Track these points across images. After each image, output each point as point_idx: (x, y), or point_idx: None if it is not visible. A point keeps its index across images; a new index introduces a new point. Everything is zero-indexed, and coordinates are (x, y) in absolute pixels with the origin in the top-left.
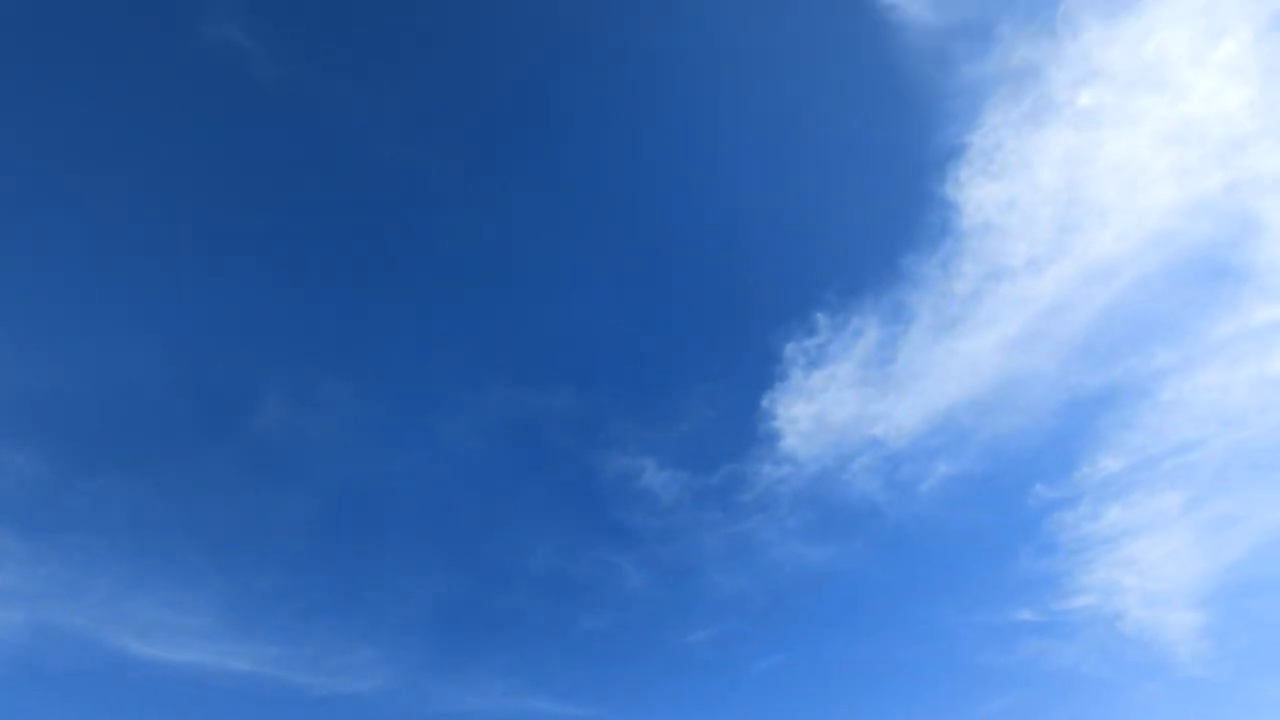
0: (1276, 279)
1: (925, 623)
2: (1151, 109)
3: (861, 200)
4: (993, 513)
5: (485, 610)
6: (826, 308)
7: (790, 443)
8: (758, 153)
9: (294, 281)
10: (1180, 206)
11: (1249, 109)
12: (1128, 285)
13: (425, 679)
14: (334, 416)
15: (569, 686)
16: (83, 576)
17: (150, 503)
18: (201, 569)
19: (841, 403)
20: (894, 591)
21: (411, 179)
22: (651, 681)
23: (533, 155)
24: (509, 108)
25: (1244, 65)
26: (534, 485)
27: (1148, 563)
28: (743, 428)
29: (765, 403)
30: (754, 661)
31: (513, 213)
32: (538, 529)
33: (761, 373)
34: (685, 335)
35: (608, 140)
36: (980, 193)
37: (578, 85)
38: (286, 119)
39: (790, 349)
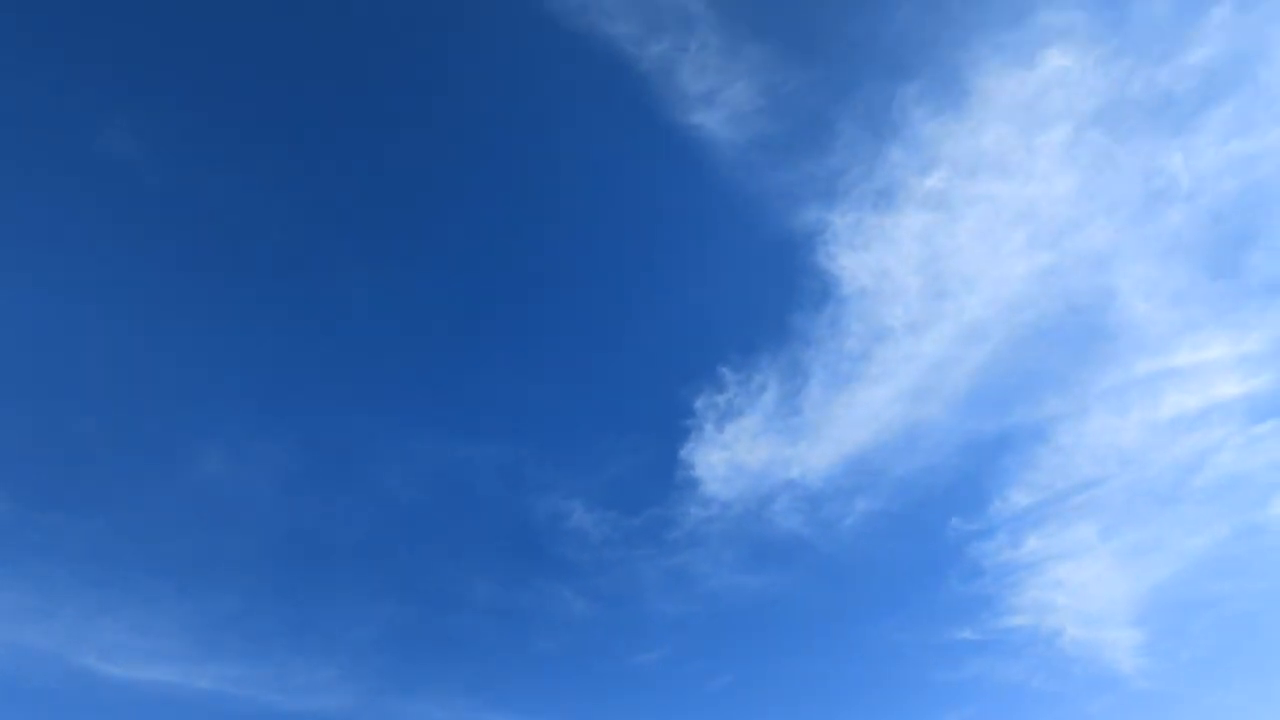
0: (1149, 336)
1: (869, 643)
2: (992, 191)
3: (747, 271)
4: (915, 543)
5: (436, 633)
6: (730, 364)
7: (712, 487)
8: (651, 244)
9: (227, 348)
10: (1034, 275)
11: (1077, 193)
12: (1001, 344)
13: (387, 696)
14: (271, 469)
15: (527, 703)
16: (49, 603)
17: (105, 537)
18: (162, 595)
19: (755, 450)
20: (833, 614)
21: (322, 252)
22: (606, 700)
23: (438, 232)
24: (408, 176)
25: (1069, 155)
26: (468, 524)
27: (1076, 584)
28: (663, 475)
29: (683, 453)
30: (705, 681)
31: (429, 285)
32: (476, 562)
33: (677, 426)
34: (603, 394)
35: (524, 229)
36: (852, 262)
37: (478, 162)
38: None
39: (701, 403)
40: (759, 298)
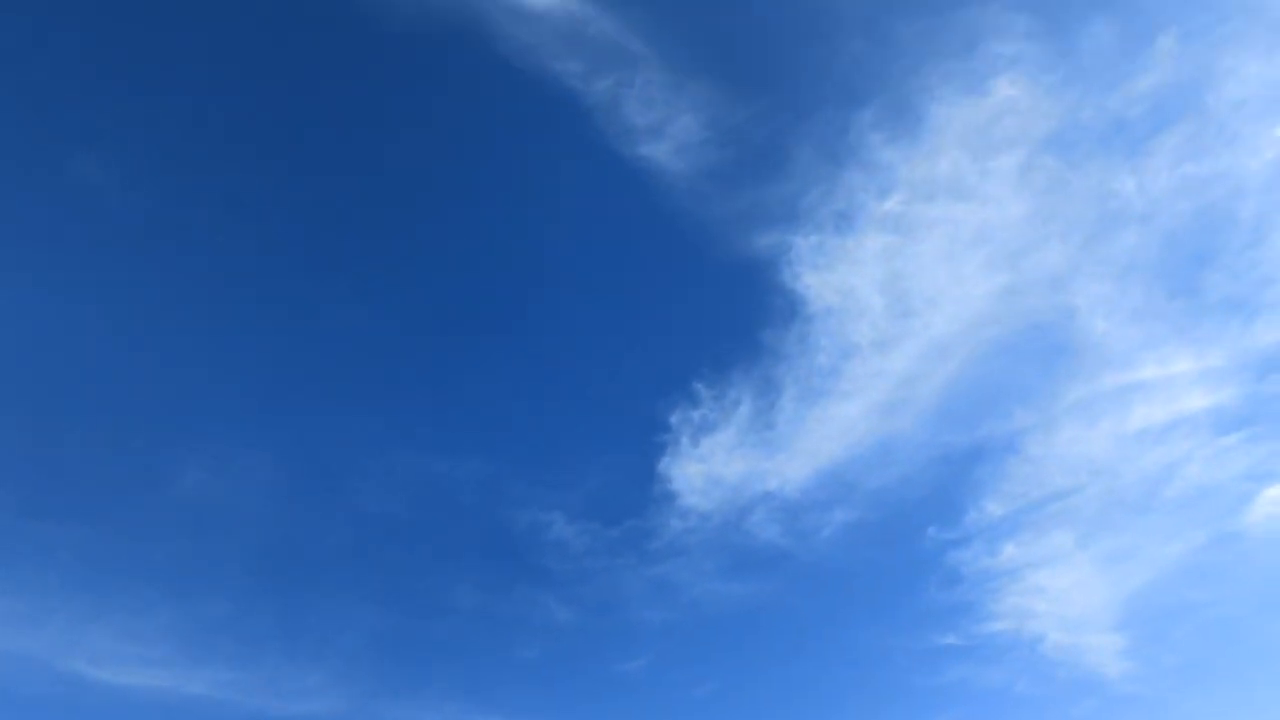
0: (1113, 351)
1: (852, 649)
2: (950, 214)
3: (715, 290)
4: (893, 552)
5: (423, 639)
6: (704, 380)
7: (690, 499)
8: (615, 267)
9: (209, 366)
10: (994, 294)
11: (1031, 217)
12: (966, 360)
13: (377, 700)
14: (254, 482)
15: (515, 707)
16: (39, 610)
17: (95, 546)
18: (152, 602)
19: (731, 463)
20: (815, 621)
21: (302, 273)
22: (592, 705)
23: (418, 255)
24: (387, 197)
25: (1023, 179)
26: (450, 534)
27: (1055, 591)
28: (642, 488)
29: (660, 467)
30: (690, 688)
31: (409, 306)
32: (459, 570)
33: (653, 441)
34: (579, 412)
35: (497, 253)
36: (816, 281)
37: (451, 189)
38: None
39: (676, 419)
40: (728, 316)
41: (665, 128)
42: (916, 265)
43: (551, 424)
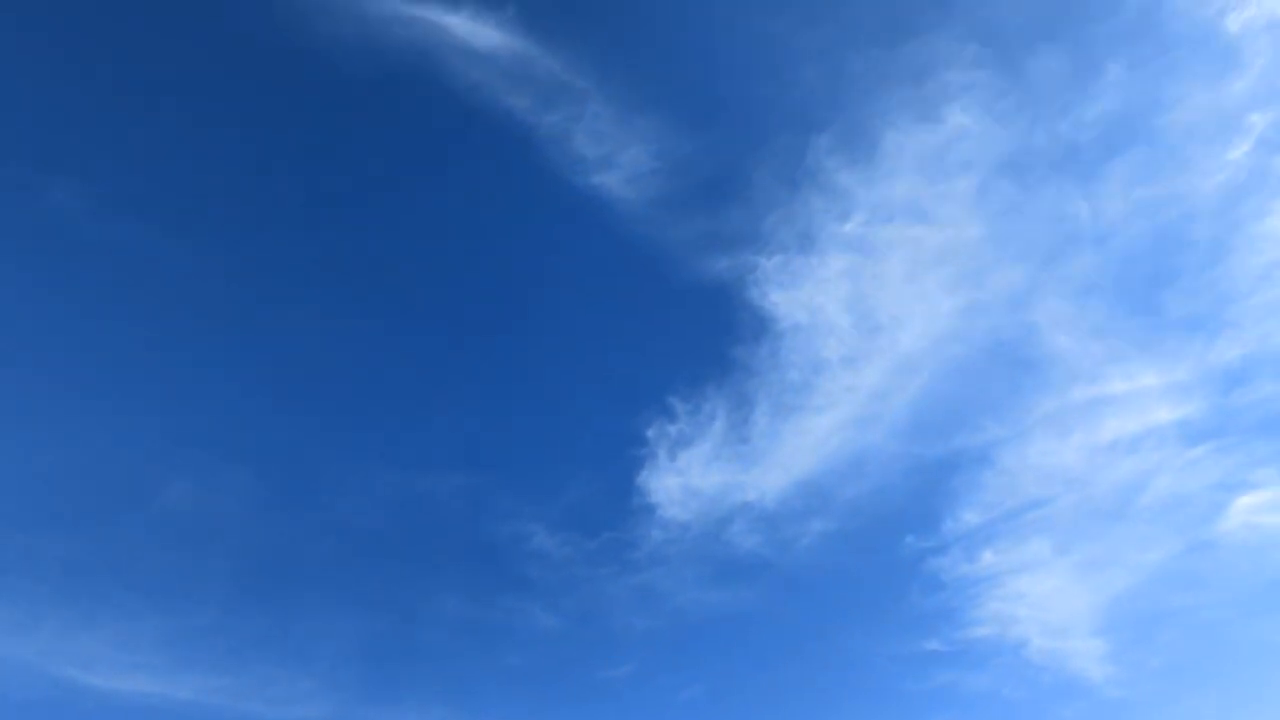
0: (1081, 366)
1: (836, 653)
2: (910, 235)
3: (683, 309)
4: (873, 559)
5: (410, 646)
6: (679, 395)
7: (670, 511)
8: (582, 289)
9: (189, 388)
10: (958, 312)
11: (988, 239)
12: (935, 375)
13: (365, 705)
14: (235, 498)
15: (502, 713)
16: (30, 618)
17: (83, 557)
18: (140, 610)
19: (708, 476)
20: (799, 627)
21: (280, 299)
22: (578, 710)
23: (394, 283)
24: (361, 227)
25: (978, 203)
26: (431, 546)
27: (1036, 596)
28: (621, 501)
29: (639, 480)
30: (676, 693)
31: (383, 333)
32: (442, 580)
33: (631, 456)
34: (556, 429)
35: (466, 280)
36: (784, 299)
37: (423, 220)
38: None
39: (653, 433)
40: (698, 334)
41: (615, 158)
42: (880, 284)
43: (530, 441)
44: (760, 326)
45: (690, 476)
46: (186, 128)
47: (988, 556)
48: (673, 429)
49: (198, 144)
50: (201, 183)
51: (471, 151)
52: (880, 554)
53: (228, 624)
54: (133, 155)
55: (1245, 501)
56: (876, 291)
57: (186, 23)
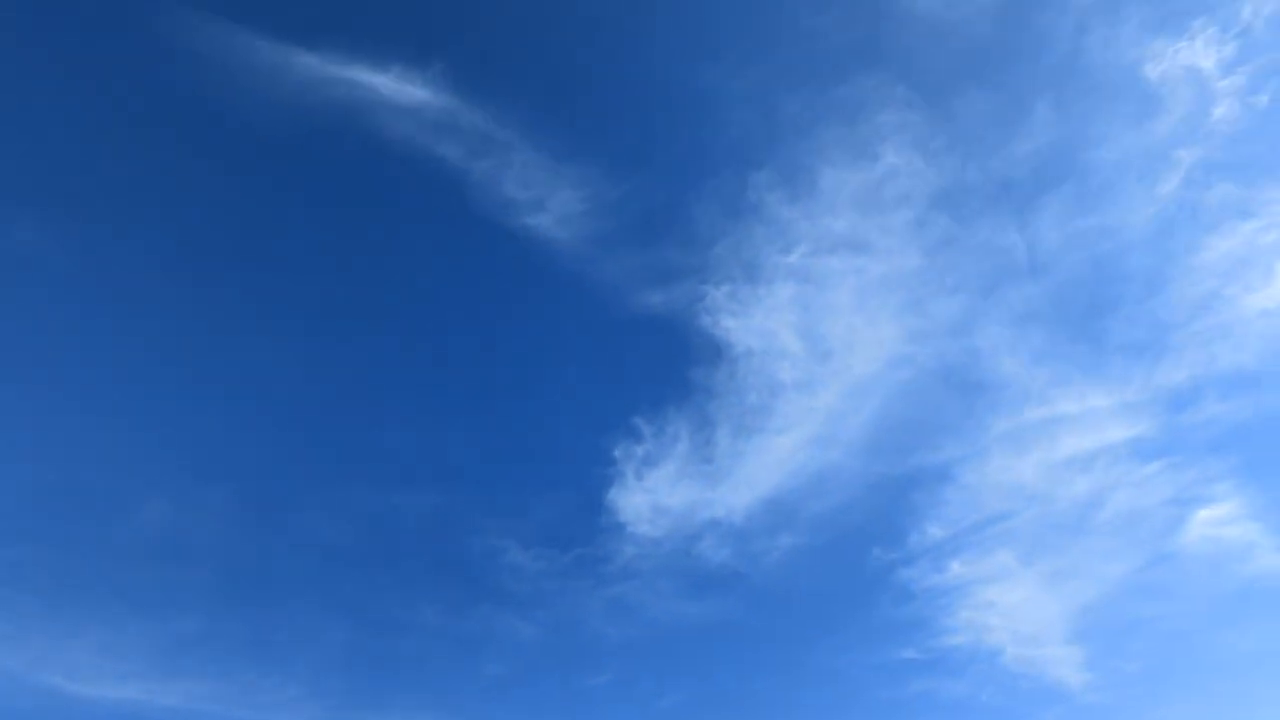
0: (1031, 389)
1: (813, 661)
2: (853, 266)
3: (639, 336)
4: (842, 571)
5: (391, 655)
6: (644, 416)
7: (640, 528)
8: (546, 323)
9: (166, 410)
10: (905, 338)
11: (927, 271)
12: (889, 398)
13: (350, 711)
14: (210, 515)
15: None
16: (17, 629)
17: (66, 571)
18: (123, 621)
19: (675, 494)
20: (775, 635)
21: (252, 327)
22: (562, 716)
23: (373, 314)
24: (330, 257)
25: (915, 237)
26: (406, 560)
27: (1007, 606)
28: (591, 519)
29: (608, 499)
30: (656, 699)
31: (356, 359)
32: (419, 592)
33: (599, 475)
34: (525, 451)
35: (432, 312)
36: (736, 326)
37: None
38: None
39: (620, 453)
40: (656, 359)
41: (546, 201)
42: (828, 311)
43: (499, 461)
44: (715, 351)
45: (658, 495)
46: (136, 184)
47: (955, 567)
48: (639, 450)
49: (154, 195)
50: (170, 220)
51: (405, 196)
52: (849, 566)
53: (210, 634)
54: (98, 197)
55: (1204, 515)
56: (825, 318)
57: (121, 84)
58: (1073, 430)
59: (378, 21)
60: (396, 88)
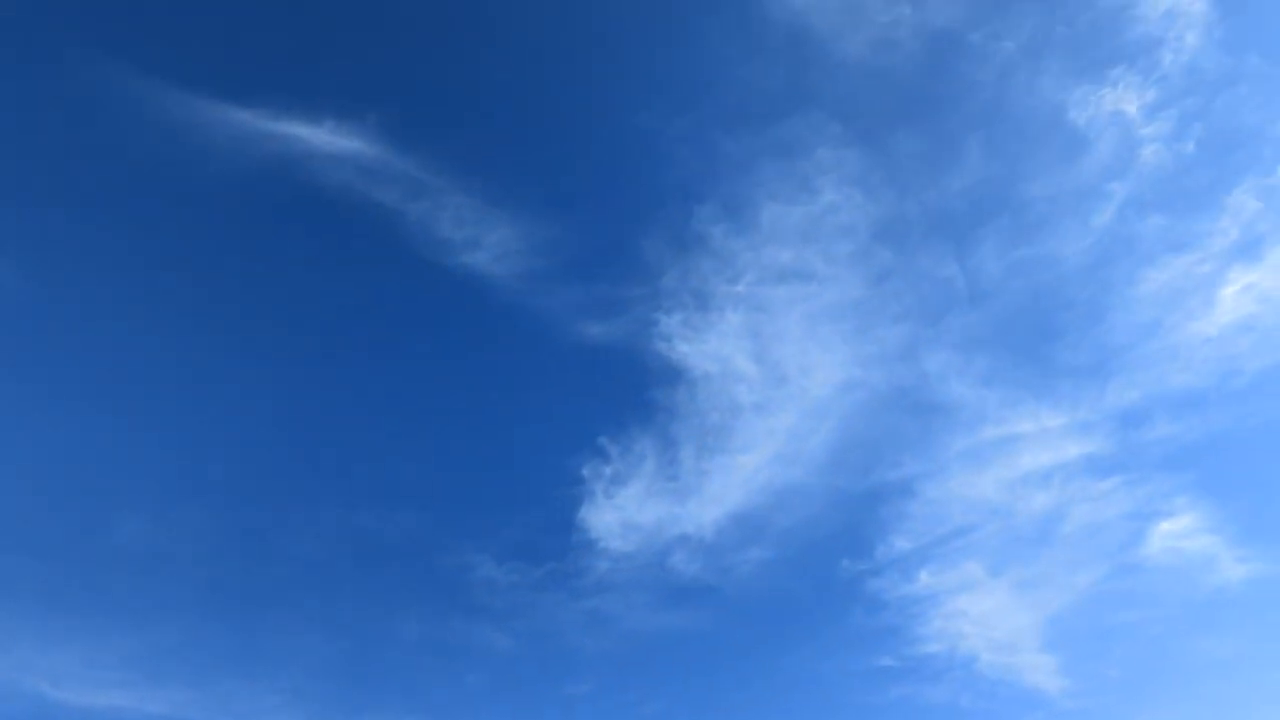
0: (984, 409)
1: (790, 670)
2: (800, 294)
3: (596, 360)
4: (812, 582)
5: (373, 665)
6: (609, 437)
7: (612, 544)
8: (510, 356)
9: (133, 434)
10: (855, 363)
11: (870, 298)
12: (846, 418)
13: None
14: (186, 532)
15: None
16: (1, 637)
17: (50, 582)
18: (107, 630)
19: (645, 511)
20: (751, 644)
21: (228, 352)
22: None
23: (354, 345)
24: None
25: (858, 267)
26: (383, 574)
27: (979, 614)
28: (562, 536)
29: (578, 517)
30: (636, 708)
31: (338, 387)
32: (397, 605)
33: (568, 494)
34: (493, 473)
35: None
36: (691, 350)
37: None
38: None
39: (588, 472)
40: (616, 383)
41: (482, 240)
42: (780, 337)
43: (469, 482)
44: (674, 375)
45: (628, 512)
46: (76, 235)
47: (924, 577)
48: (607, 469)
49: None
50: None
51: (341, 237)
52: (819, 576)
53: (194, 644)
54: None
55: (1165, 528)
56: (777, 344)
57: (51, 140)
58: (1029, 448)
59: (312, 78)
60: (329, 140)
